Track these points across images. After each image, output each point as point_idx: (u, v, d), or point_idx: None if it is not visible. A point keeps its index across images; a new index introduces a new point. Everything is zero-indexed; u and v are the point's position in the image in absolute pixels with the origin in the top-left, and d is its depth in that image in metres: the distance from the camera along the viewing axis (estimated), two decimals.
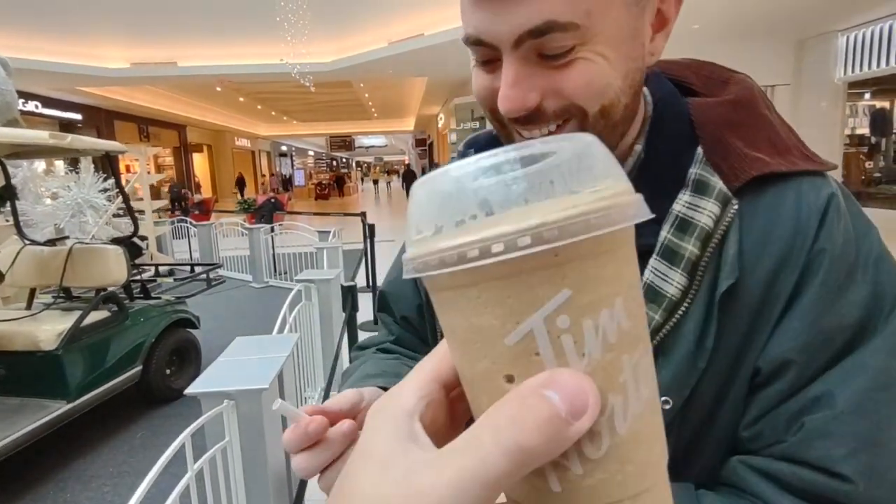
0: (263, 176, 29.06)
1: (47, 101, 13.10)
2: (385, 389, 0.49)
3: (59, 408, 2.82)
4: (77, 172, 6.10)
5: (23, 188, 5.18)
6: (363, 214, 6.12)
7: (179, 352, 3.74)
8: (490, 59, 0.44)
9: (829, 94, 10.72)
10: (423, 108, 17.94)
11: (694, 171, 0.46)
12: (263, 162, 29.62)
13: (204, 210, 13.52)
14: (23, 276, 3.38)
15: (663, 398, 0.42)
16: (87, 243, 3.54)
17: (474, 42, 0.43)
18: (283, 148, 34.01)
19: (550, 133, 0.44)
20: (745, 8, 8.55)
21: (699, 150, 0.47)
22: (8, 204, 3.87)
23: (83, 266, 3.32)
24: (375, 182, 33.47)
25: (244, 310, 5.88)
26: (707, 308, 0.43)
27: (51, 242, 3.67)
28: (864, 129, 11.01)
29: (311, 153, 40.24)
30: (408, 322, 0.66)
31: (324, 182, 29.05)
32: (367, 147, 39.27)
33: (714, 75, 0.53)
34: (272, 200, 12.83)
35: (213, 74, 12.04)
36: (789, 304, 0.43)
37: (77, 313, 3.05)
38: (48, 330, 2.87)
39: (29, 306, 3.39)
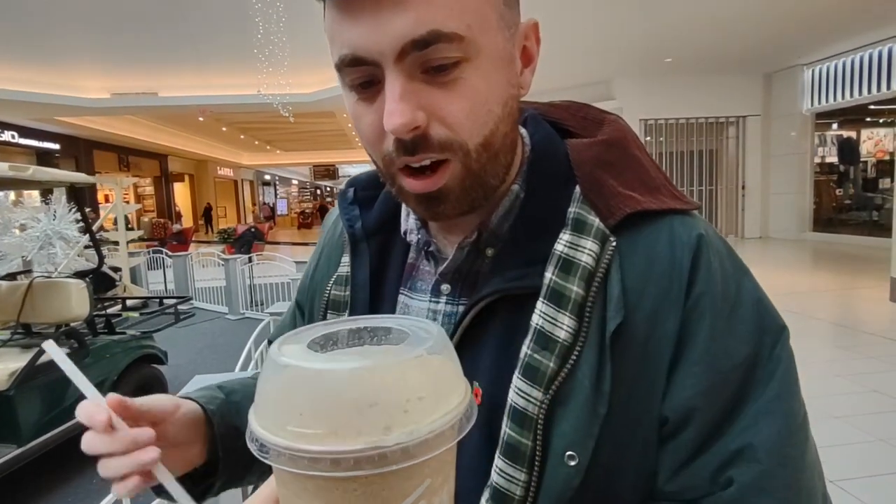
0: (254, 206, 29.07)
1: (24, 131, 12.96)
2: (202, 407, 0.50)
3: (9, 452, 2.66)
4: (48, 203, 5.98)
5: None
6: None
7: (144, 389, 3.60)
8: (369, 79, 0.41)
9: (798, 124, 11.11)
10: None
11: (573, 209, 0.46)
12: (247, 191, 29.52)
13: (182, 240, 13.34)
14: None
15: (569, 453, 0.40)
16: (48, 277, 3.43)
17: (351, 62, 0.40)
18: (267, 177, 33.97)
19: (433, 164, 0.42)
20: (714, 42, 8.88)
21: (577, 189, 0.46)
22: None
23: (43, 301, 3.21)
24: None
25: (217, 343, 5.73)
26: (599, 350, 0.41)
27: (10, 276, 3.55)
28: (833, 158, 11.36)
29: (294, 182, 40.26)
30: None
31: (307, 211, 28.99)
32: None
33: (590, 116, 0.53)
34: (252, 230, 12.72)
35: (195, 105, 12.05)
36: (680, 348, 0.42)
37: (34, 350, 2.93)
38: (0, 369, 2.74)
39: None
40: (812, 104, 10.81)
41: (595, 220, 0.44)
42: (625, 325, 0.42)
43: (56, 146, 14.23)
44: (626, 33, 8.10)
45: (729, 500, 0.40)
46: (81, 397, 0.40)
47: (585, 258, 0.43)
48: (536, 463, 0.41)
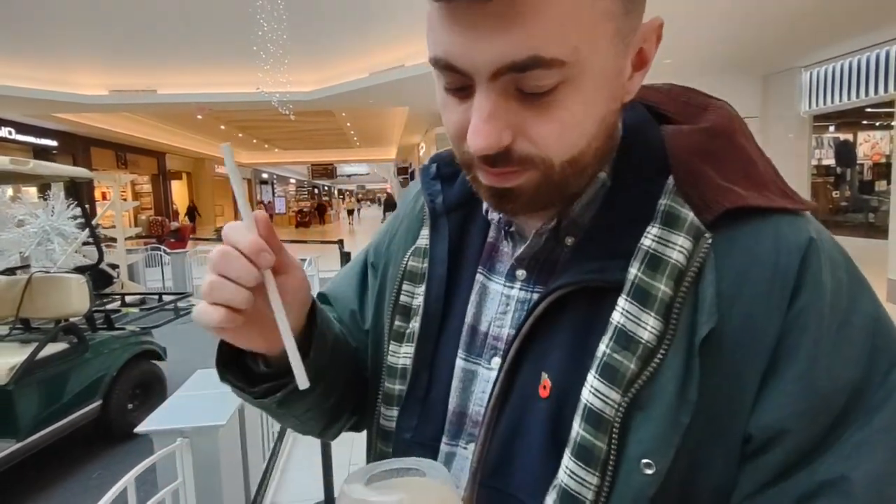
0: (262, 202, 29.09)
1: (22, 128, 12.90)
2: (314, 302, 0.51)
3: (8, 447, 2.66)
4: (47, 199, 5.96)
5: None
6: (340, 242, 6.07)
7: (143, 385, 3.60)
8: (462, 85, 0.39)
9: (796, 126, 11.15)
10: (404, 138, 18.12)
11: (664, 202, 0.42)
12: (245, 189, 29.43)
13: (180, 238, 13.30)
14: None
15: (645, 461, 0.38)
16: (47, 272, 3.41)
17: (445, 67, 0.39)
18: (265, 175, 33.90)
19: (508, 173, 0.41)
20: (713, 44, 8.93)
21: (670, 180, 0.43)
22: None
23: (42, 296, 3.20)
24: (350, 212, 31.84)
25: (216, 340, 5.72)
26: (687, 355, 0.38)
27: (9, 271, 3.54)
28: (830, 160, 11.42)
29: (292, 181, 40.16)
30: (340, 323, 0.62)
31: (304, 210, 28.92)
32: (350, 175, 39.38)
33: (692, 101, 0.49)
34: None
35: (194, 102, 12.02)
36: (775, 362, 0.39)
37: (33, 345, 2.92)
38: (0, 363, 2.73)
39: None
40: (810, 106, 10.86)
41: (689, 215, 0.41)
42: (716, 331, 0.39)
43: (54, 143, 14.17)
44: None
45: None
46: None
47: (676, 255, 0.40)
48: (610, 467, 0.39)
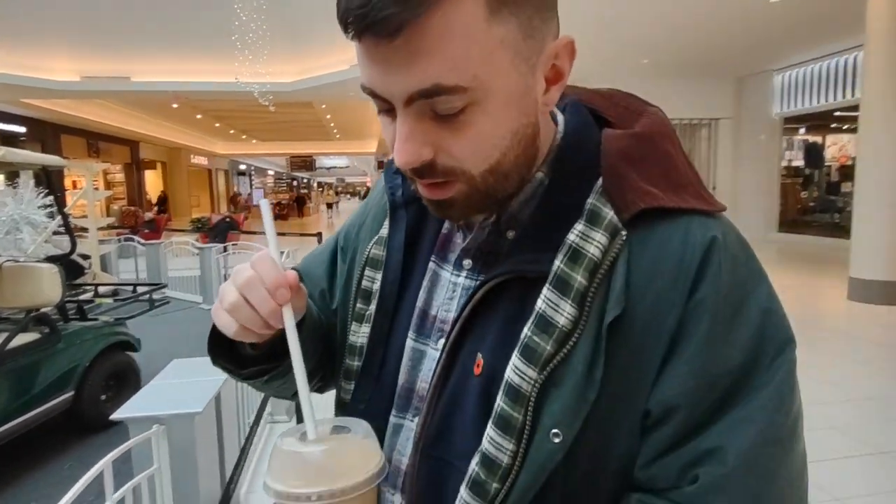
0: (239, 195, 28.60)
1: None
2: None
3: None
4: (15, 187, 5.80)
5: None
6: (319, 235, 6.06)
7: (117, 376, 3.57)
8: (388, 108, 0.45)
9: (768, 128, 11.47)
10: None
11: (591, 201, 0.46)
12: (221, 180, 28.95)
13: (154, 228, 13.05)
14: None
15: (555, 431, 0.43)
16: (18, 261, 3.35)
17: (370, 94, 0.44)
18: (242, 167, 33.36)
19: (437, 184, 0.47)
20: (688, 46, 9.11)
21: (600, 180, 0.47)
22: None
23: (13, 285, 3.14)
24: (329, 205, 31.40)
25: (191, 332, 5.66)
26: (596, 339, 0.43)
27: None
28: (800, 162, 11.78)
29: (271, 172, 39.62)
30: (311, 298, 0.67)
31: (283, 202, 28.59)
32: (329, 168, 39.00)
33: (630, 107, 0.53)
34: (227, 220, 12.53)
35: (169, 91, 11.77)
36: (674, 346, 0.43)
37: (4, 335, 2.88)
38: None
39: None
40: (781, 109, 11.18)
41: (609, 213, 0.45)
42: (623, 317, 0.43)
43: (22, 129, 13.73)
44: (603, 33, 8.25)
45: (689, 494, 0.42)
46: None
47: (593, 250, 0.44)
48: (525, 436, 0.43)
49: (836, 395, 3.47)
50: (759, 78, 11.40)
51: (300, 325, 0.51)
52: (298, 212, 28.32)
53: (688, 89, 11.37)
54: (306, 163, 29.52)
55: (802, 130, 11.72)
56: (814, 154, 11.51)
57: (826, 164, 11.43)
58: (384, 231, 0.59)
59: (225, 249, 7.32)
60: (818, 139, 11.54)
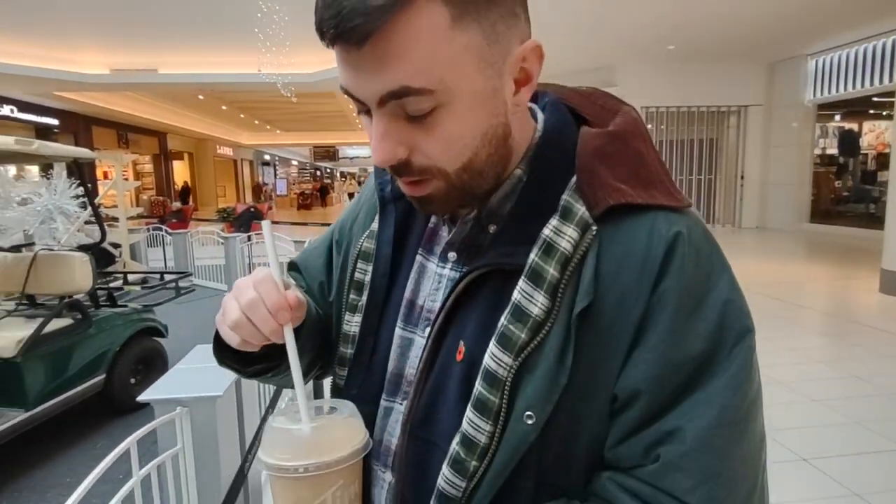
0: (265, 185, 29.11)
1: (23, 106, 12.90)
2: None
3: (17, 416, 2.76)
4: (49, 178, 6.01)
5: None
6: None
7: (145, 361, 3.70)
8: (366, 109, 0.48)
9: (800, 115, 11.08)
10: None
11: (565, 197, 0.49)
12: (246, 171, 29.41)
13: (182, 218, 13.37)
14: None
15: (528, 413, 0.46)
16: (52, 250, 3.49)
17: (347, 95, 0.47)
18: (267, 157, 33.81)
19: (416, 182, 0.49)
20: (718, 31, 8.83)
21: (574, 178, 0.49)
22: None
23: (47, 273, 3.28)
24: (351, 195, 31.86)
25: (215, 319, 5.82)
26: (566, 328, 0.46)
27: (15, 249, 3.61)
28: (834, 150, 11.37)
29: (294, 163, 40.06)
30: (309, 292, 0.70)
31: (306, 192, 28.93)
32: (352, 158, 39.25)
33: (607, 106, 0.55)
34: (251, 209, 12.75)
35: (195, 83, 11.98)
36: (639, 335, 0.46)
37: (39, 320, 3.01)
38: (7, 337, 2.82)
39: None
40: (815, 95, 10.79)
41: (581, 209, 0.48)
42: (592, 308, 0.45)
43: (55, 122, 14.17)
44: (629, 19, 8.07)
45: (651, 472, 0.45)
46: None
47: (565, 244, 0.47)
48: (501, 418, 0.47)
49: (864, 390, 3.39)
50: (791, 63, 11.01)
51: (299, 330, 0.55)
52: (322, 201, 28.63)
53: (715, 76, 11.06)
54: (329, 153, 29.75)
55: (837, 117, 11.30)
56: (849, 142, 11.10)
57: (862, 152, 11.01)
58: (375, 226, 0.62)
59: (249, 238, 7.47)
60: (854, 126, 11.12)
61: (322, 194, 29.43)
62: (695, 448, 0.44)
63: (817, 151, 11.40)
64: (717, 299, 0.46)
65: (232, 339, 0.53)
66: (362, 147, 35.76)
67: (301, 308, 0.54)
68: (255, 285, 0.51)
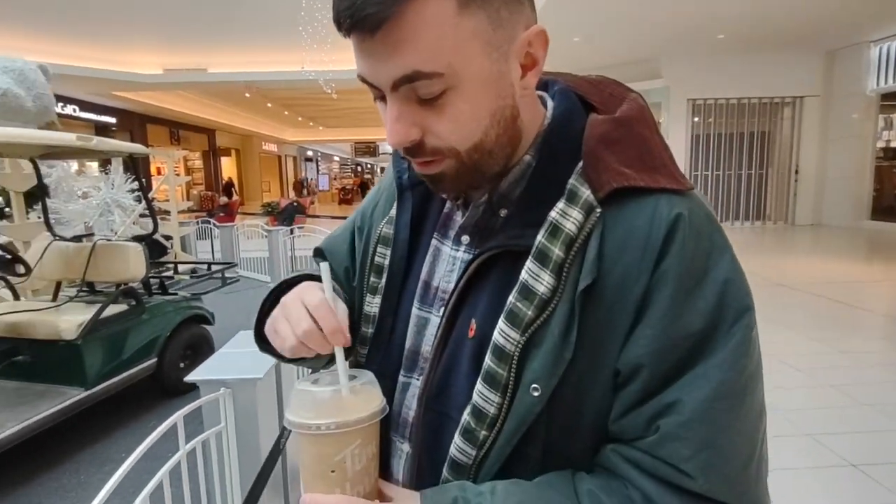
0: (311, 180, 29.98)
1: (84, 105, 13.67)
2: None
3: (77, 394, 2.96)
4: (107, 173, 6.37)
5: (56, 187, 5.44)
6: None
7: (193, 346, 3.87)
8: (381, 95, 0.50)
9: (861, 105, 10.44)
10: None
11: (571, 181, 0.51)
12: (290, 166, 30.20)
13: (229, 212, 13.87)
14: (50, 270, 3.55)
15: (534, 385, 0.48)
16: (110, 240, 3.70)
17: (364, 82, 0.50)
18: (309, 153, 34.60)
19: (428, 161, 0.52)
20: (772, 18, 8.42)
21: (581, 163, 0.51)
22: (40, 202, 4.08)
23: (105, 261, 3.48)
24: None
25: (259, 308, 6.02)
26: (571, 305, 0.48)
27: (77, 239, 3.85)
28: None
29: (336, 158, 40.83)
30: (334, 278, 0.73)
31: (347, 187, 29.49)
32: (391, 154, 39.57)
33: (615, 94, 0.57)
34: (294, 204, 13.08)
35: (242, 81, 12.39)
36: (640, 312, 0.48)
37: (97, 306, 3.20)
38: (70, 320, 3.01)
39: (54, 298, 3.57)
40: (878, 84, 10.15)
41: (586, 193, 0.50)
42: (595, 286, 0.48)
43: (113, 120, 14.96)
44: (676, 8, 7.80)
45: (651, 442, 0.47)
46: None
47: (570, 226, 0.49)
48: (509, 390, 0.49)
49: None
50: (852, 51, 10.38)
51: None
52: (362, 196, 29.12)
53: (768, 66, 10.55)
54: (370, 149, 30.16)
55: None
56: None
57: None
58: (393, 212, 0.65)
59: (291, 232, 7.68)
60: None
61: (362, 189, 29.91)
62: (692, 419, 0.46)
63: (880, 144, 10.71)
64: (717, 278, 0.48)
65: (284, 351, 0.56)
66: None
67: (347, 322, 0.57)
68: (311, 311, 0.54)
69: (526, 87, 0.51)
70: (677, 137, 10.83)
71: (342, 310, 0.56)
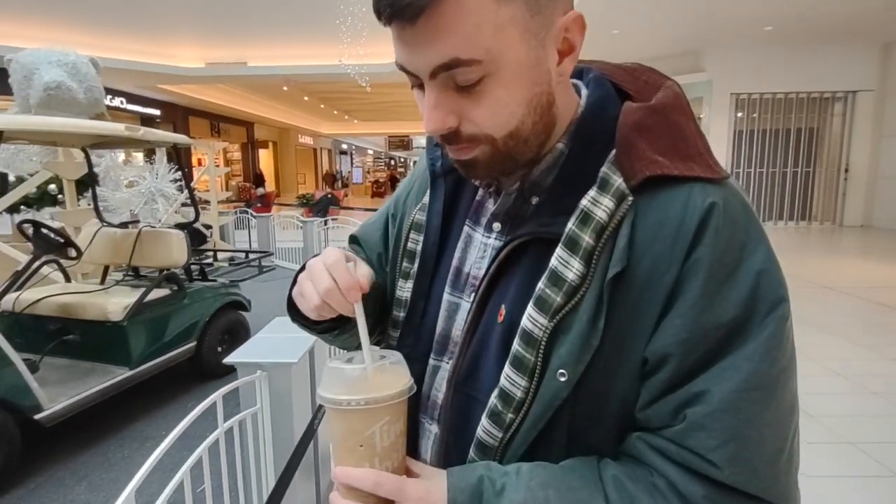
0: (344, 174, 30.57)
1: (131, 98, 14.20)
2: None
3: (123, 373, 3.10)
4: (152, 164, 6.62)
5: (104, 176, 5.69)
6: None
7: (230, 331, 4.00)
8: (420, 83, 0.50)
9: None
10: None
11: (603, 169, 0.51)
12: (325, 159, 30.66)
13: (265, 203, 14.20)
14: (98, 255, 3.73)
15: (561, 371, 0.49)
16: (153, 227, 3.85)
17: (402, 70, 0.50)
18: (344, 146, 35.04)
19: (464, 147, 0.52)
20: (824, 8, 8.04)
21: (614, 151, 0.51)
22: (90, 189, 4.27)
23: (149, 247, 3.62)
24: None
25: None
26: (599, 292, 0.48)
27: (123, 225, 4.02)
28: None
29: (370, 152, 41.24)
30: (368, 264, 0.74)
31: (379, 180, 29.77)
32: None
33: (651, 81, 0.56)
34: (328, 196, 13.29)
35: (280, 74, 12.63)
36: (670, 301, 0.47)
37: (142, 290, 3.34)
38: (116, 303, 3.16)
39: (102, 281, 3.75)
40: None
41: (618, 181, 0.49)
42: (625, 274, 0.47)
43: (157, 112, 15.49)
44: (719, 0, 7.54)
45: (677, 431, 0.46)
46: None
47: (600, 213, 0.49)
48: (536, 374, 0.50)
49: None
50: None
51: (366, 296, 0.59)
52: (392, 189, 29.32)
53: (818, 59, 10.08)
54: (403, 142, 30.34)
55: None
56: None
57: None
58: (426, 198, 0.66)
59: (326, 223, 7.81)
60: None
61: (393, 183, 30.14)
62: (720, 409, 0.45)
63: None
64: (751, 269, 0.47)
65: (310, 313, 0.58)
66: None
67: (370, 281, 0.58)
68: (329, 270, 0.55)
69: (562, 73, 0.51)
70: (719, 133, 10.48)
71: (363, 271, 0.57)
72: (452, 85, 0.48)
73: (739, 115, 10.80)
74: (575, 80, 0.58)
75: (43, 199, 5.34)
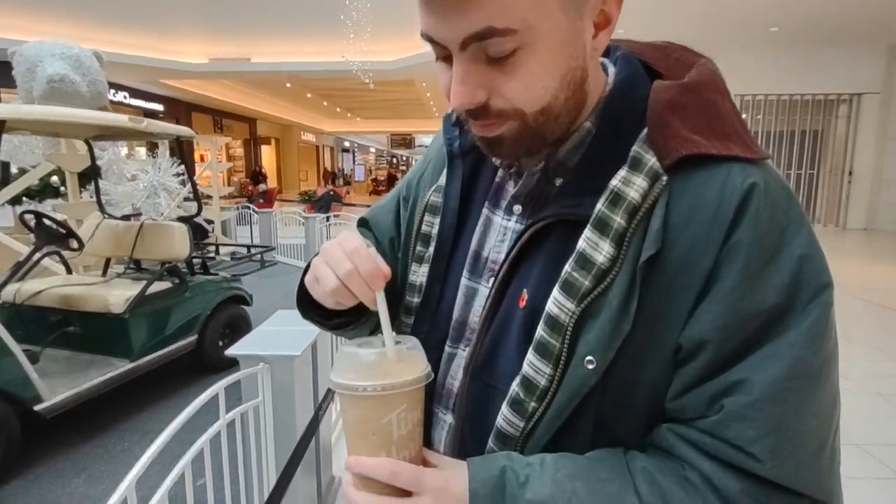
0: (347, 172, 30.38)
1: (134, 93, 14.20)
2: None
3: (123, 366, 3.09)
4: (155, 157, 6.61)
5: (107, 169, 5.68)
6: None
7: (232, 325, 3.99)
8: (446, 55, 0.48)
9: None
10: None
11: (635, 148, 0.48)
12: (327, 156, 30.67)
13: (267, 199, 14.20)
14: (100, 247, 3.72)
15: (589, 358, 0.46)
16: (155, 220, 3.84)
17: (428, 40, 0.47)
18: (346, 144, 35.03)
19: (490, 124, 0.49)
20: (831, 10, 8.00)
21: (645, 130, 0.49)
22: (92, 182, 4.26)
23: (151, 240, 3.61)
24: None
25: (295, 291, 6.16)
26: (631, 276, 0.45)
27: (125, 218, 4.01)
28: None
29: (372, 150, 41.23)
30: (378, 248, 0.71)
31: (379, 178, 29.78)
32: (427, 146, 39.77)
33: (682, 59, 0.54)
34: (330, 193, 13.28)
35: (283, 71, 12.62)
36: (708, 286, 0.45)
37: (143, 282, 3.33)
38: (118, 295, 3.15)
39: (104, 274, 3.74)
40: None
41: (651, 160, 0.47)
42: (659, 257, 0.45)
43: (160, 107, 15.49)
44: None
45: (713, 422, 0.44)
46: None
47: (633, 194, 0.46)
48: (562, 362, 0.47)
49: None
50: None
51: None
52: (391, 188, 29.29)
53: (824, 61, 10.04)
54: (405, 141, 30.32)
55: None
56: None
57: None
58: (442, 180, 0.63)
59: (328, 219, 7.80)
60: None
61: (391, 182, 30.16)
62: (762, 398, 0.42)
63: None
64: (793, 253, 0.44)
65: (327, 301, 0.55)
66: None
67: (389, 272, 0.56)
68: (349, 256, 0.52)
69: (597, 47, 0.48)
70: None
71: (383, 261, 0.54)
72: (483, 57, 0.45)
73: (744, 116, 10.68)
74: (602, 59, 0.56)
75: (45, 191, 5.34)
